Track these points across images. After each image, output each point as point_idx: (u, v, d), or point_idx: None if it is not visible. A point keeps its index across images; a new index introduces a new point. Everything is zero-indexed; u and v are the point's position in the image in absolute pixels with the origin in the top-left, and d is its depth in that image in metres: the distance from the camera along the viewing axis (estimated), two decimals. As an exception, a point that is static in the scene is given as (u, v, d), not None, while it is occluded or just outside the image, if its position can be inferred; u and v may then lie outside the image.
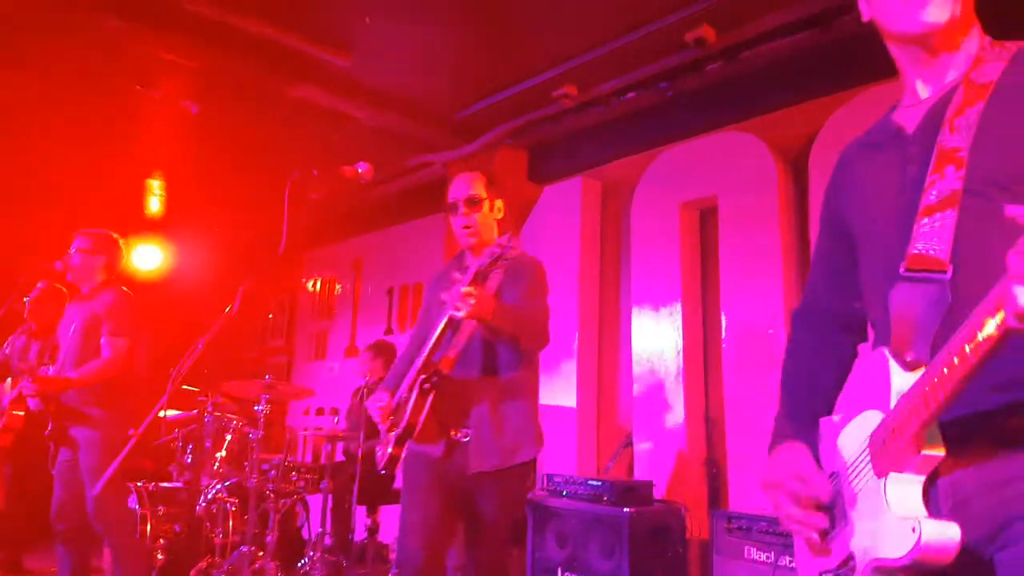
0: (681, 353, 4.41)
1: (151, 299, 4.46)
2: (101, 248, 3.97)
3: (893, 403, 1.11)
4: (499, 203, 2.90)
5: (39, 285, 4.45)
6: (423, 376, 2.59)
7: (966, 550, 1.02)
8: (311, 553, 4.64)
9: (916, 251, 1.17)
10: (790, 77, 4.11)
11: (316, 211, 6.90)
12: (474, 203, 2.80)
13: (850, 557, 1.18)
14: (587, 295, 5.07)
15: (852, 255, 1.38)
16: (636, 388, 4.63)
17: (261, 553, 4.26)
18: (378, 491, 4.92)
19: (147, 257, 5.96)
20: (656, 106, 4.71)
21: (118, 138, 5.63)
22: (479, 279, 2.68)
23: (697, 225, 4.62)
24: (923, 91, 1.32)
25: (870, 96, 3.68)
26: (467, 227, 2.81)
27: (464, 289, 2.48)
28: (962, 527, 1.01)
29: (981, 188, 1.15)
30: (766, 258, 3.99)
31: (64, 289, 4.54)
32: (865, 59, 3.76)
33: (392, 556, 5.01)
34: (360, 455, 4.65)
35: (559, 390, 4.96)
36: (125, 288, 3.97)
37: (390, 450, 2.60)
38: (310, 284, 7.76)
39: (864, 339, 1.47)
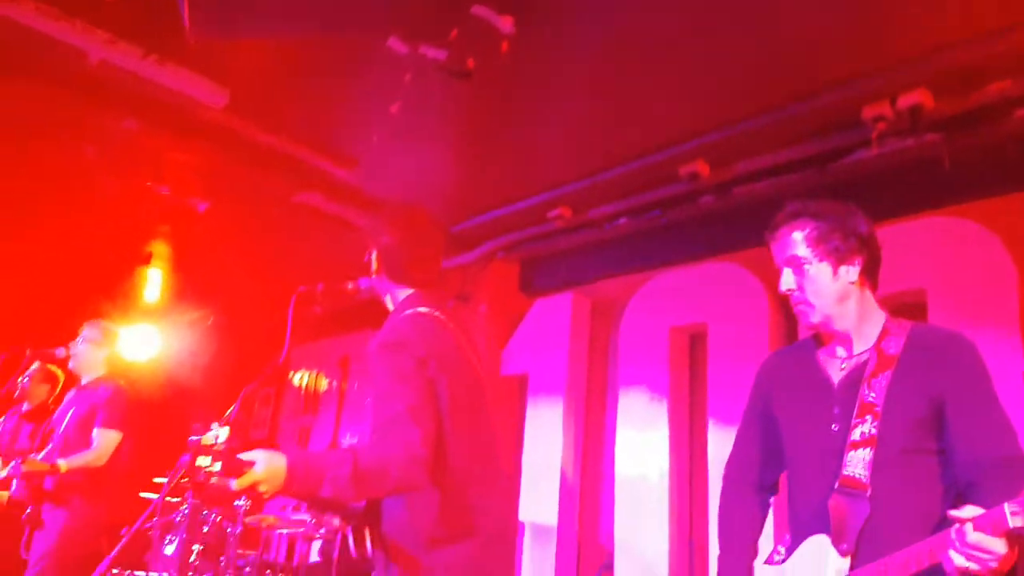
0: (666, 477, 4.42)
1: (145, 389, 4.53)
2: (106, 341, 4.11)
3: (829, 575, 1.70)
4: (372, 255, 2.33)
5: (33, 367, 4.52)
6: None
7: None
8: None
9: (847, 474, 1.74)
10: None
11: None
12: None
13: None
14: (572, 411, 5.11)
15: (777, 446, 1.98)
16: (618, 510, 4.60)
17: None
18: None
19: (144, 345, 6.06)
20: (647, 232, 4.90)
21: (124, 227, 5.81)
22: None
23: (687, 350, 4.73)
24: (841, 352, 1.90)
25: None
26: None
27: (238, 484, 1.77)
28: None
29: (890, 434, 1.73)
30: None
31: (59, 372, 4.62)
32: (851, 203, 4.08)
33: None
34: (336, 558, 4.62)
35: (539, 506, 4.95)
36: (123, 382, 4.09)
37: None
38: (296, 378, 7.80)
39: (775, 494, 2.09)
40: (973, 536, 1.43)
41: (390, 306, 2.34)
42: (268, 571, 4.67)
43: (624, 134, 4.13)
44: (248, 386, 2.24)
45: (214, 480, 1.80)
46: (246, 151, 4.55)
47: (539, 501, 4.97)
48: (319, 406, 7.39)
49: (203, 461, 1.86)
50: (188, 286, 6.54)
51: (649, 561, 4.35)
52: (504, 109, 4.01)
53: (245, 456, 1.79)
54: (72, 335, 4.16)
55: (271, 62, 3.86)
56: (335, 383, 7.25)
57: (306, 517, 4.45)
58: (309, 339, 7.61)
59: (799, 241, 1.88)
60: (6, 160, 4.93)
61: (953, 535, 1.46)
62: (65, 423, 3.93)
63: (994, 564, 1.44)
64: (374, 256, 2.32)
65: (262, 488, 1.78)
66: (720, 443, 4.20)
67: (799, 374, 1.94)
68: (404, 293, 2.29)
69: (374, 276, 2.33)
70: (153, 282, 6.18)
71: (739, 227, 4.43)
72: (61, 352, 4.07)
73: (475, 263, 5.67)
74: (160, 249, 6.18)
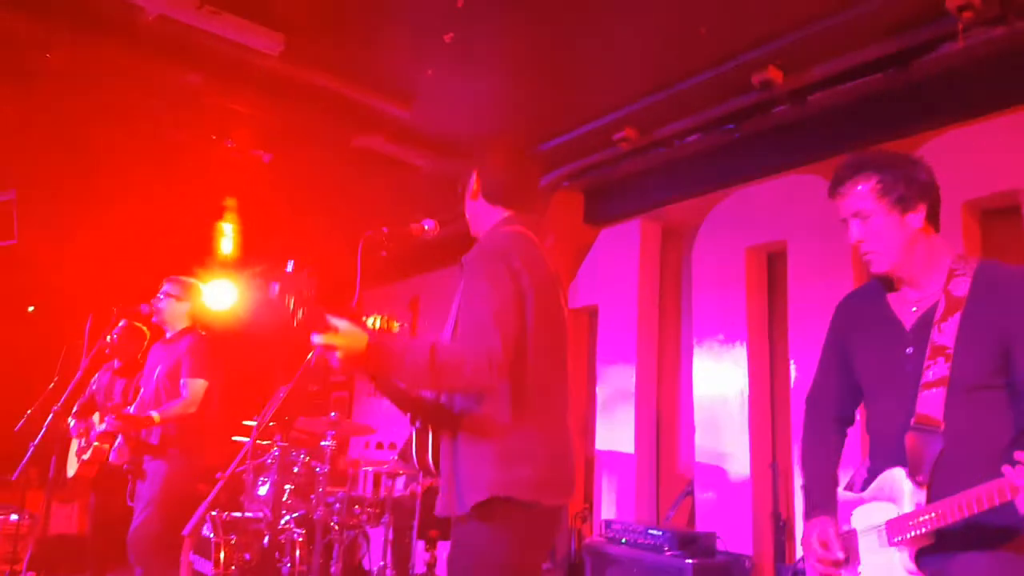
0: (747, 400, 4.33)
1: (226, 338, 4.67)
2: (188, 295, 4.23)
3: (906, 505, 1.85)
4: (473, 177, 2.34)
5: (121, 323, 4.68)
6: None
7: None
8: (373, 587, 4.74)
9: (922, 411, 1.89)
10: (861, 119, 4.02)
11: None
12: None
13: None
14: (646, 339, 5.04)
15: (854, 381, 2.11)
16: (698, 435, 4.56)
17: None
18: (437, 526, 5.00)
19: (221, 296, 6.25)
20: (719, 148, 4.66)
21: (198, 183, 5.91)
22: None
23: (765, 269, 4.57)
24: (912, 294, 2.01)
25: (943, 141, 3.63)
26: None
27: (321, 339, 1.89)
28: None
29: (961, 374, 1.85)
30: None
31: (145, 329, 4.78)
32: (937, 102, 3.85)
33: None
34: (421, 491, 4.75)
35: (617, 435, 4.95)
36: (204, 333, 4.22)
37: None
38: (369, 321, 7.93)
39: (852, 425, 2.21)
40: None
41: (479, 232, 2.34)
42: (356, 506, 4.84)
43: (690, 44, 3.89)
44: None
45: (299, 316, 1.88)
46: (305, 98, 4.53)
47: (616, 431, 4.96)
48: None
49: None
50: (259, 237, 6.67)
51: (731, 485, 4.31)
52: (560, 28, 3.83)
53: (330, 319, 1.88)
54: (156, 291, 4.29)
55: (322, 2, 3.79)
56: (406, 324, 7.36)
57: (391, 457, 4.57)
58: (378, 283, 7.72)
59: (865, 193, 1.98)
60: (82, 125, 5.05)
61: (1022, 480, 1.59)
62: (155, 377, 4.09)
63: None
64: (473, 179, 2.32)
65: (340, 352, 1.87)
66: (802, 364, 4.08)
67: (873, 317, 2.07)
68: (501, 215, 2.30)
69: (471, 200, 2.34)
70: (228, 235, 6.32)
71: (818, 136, 4.19)
72: (145, 308, 4.21)
73: (539, 194, 5.56)
74: (232, 202, 6.29)
